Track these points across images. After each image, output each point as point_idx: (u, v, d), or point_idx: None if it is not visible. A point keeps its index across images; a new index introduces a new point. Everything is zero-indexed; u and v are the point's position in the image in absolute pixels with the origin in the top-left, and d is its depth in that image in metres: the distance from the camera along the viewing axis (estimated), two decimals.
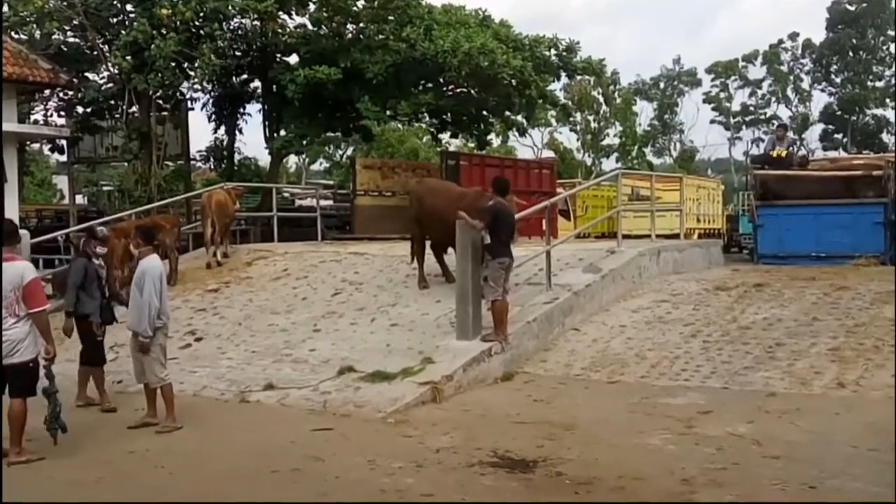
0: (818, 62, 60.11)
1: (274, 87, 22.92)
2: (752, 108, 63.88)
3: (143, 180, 21.04)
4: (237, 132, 25.59)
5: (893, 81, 55.69)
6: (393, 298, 12.83)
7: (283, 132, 23.46)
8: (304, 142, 23.49)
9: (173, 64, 20.04)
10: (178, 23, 19.98)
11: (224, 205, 16.54)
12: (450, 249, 12.33)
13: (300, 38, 22.44)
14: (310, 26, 22.86)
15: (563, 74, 25.51)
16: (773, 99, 63.40)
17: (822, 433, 7.54)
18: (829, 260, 15.59)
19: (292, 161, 47.65)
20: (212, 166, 27.05)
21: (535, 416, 8.44)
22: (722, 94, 64.35)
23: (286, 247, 17.50)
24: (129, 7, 21.78)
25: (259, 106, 24.89)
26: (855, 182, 16.64)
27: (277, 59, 23.23)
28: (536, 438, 7.53)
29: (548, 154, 51.51)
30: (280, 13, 22.21)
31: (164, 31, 19.90)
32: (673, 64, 65.30)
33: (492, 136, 30.37)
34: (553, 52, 23.59)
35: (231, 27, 22.58)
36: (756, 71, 63.17)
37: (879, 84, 57.60)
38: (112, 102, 21.81)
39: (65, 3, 20.89)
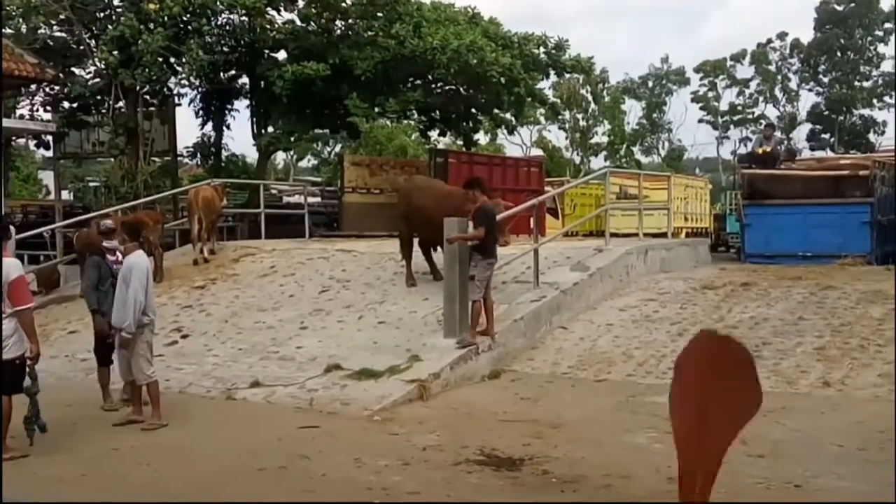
0: (806, 62, 60.32)
1: (262, 83, 22.89)
2: (739, 108, 64.05)
3: (129, 176, 20.94)
4: (225, 128, 25.59)
5: (880, 82, 55.94)
6: (380, 296, 12.80)
7: (270, 129, 23.44)
8: (292, 138, 23.47)
9: (160, 59, 19.98)
10: (166, 18, 19.92)
11: (211, 201, 16.48)
12: (438, 247, 12.31)
13: (288, 33, 22.41)
14: (298, 22, 22.83)
15: (552, 72, 25.58)
16: (761, 98, 63.58)
17: (807, 432, 7.56)
18: (816, 259, 15.65)
19: (280, 158, 47.57)
20: (199, 162, 26.99)
21: (522, 414, 8.43)
22: (710, 94, 64.51)
23: (273, 244, 17.45)
24: (116, 1, 21.75)
25: (247, 102, 24.89)
26: (842, 182, 16.70)
27: (265, 55, 23.18)
28: (523, 437, 7.53)
29: (536, 152, 51.57)
30: (268, 9, 22.18)
31: (151, 26, 19.84)
32: (661, 63, 65.42)
33: (480, 135, 30.38)
34: (542, 50, 23.65)
35: (219, 22, 22.53)
36: (744, 70, 63.39)
37: (867, 84, 57.83)
38: (98, 97, 21.73)
39: None
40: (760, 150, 18.08)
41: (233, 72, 24.63)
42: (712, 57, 63.90)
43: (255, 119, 24.39)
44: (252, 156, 28.83)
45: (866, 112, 57.81)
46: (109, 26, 20.65)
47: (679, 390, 3.89)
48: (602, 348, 10.83)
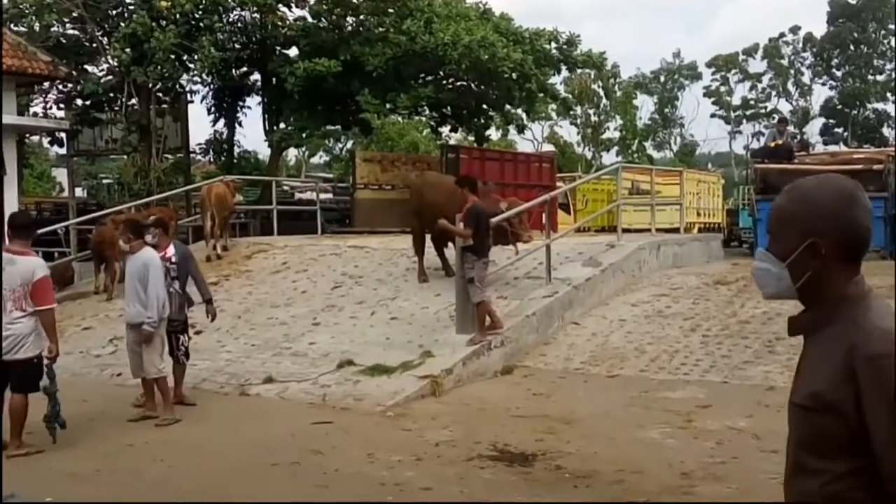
0: (819, 56, 60.05)
1: (273, 79, 22.94)
2: (752, 102, 63.83)
3: (142, 173, 21.04)
4: (237, 125, 25.68)
5: (894, 76, 55.59)
6: (393, 292, 12.82)
7: (282, 125, 23.48)
8: (304, 135, 23.54)
9: (173, 56, 20.04)
10: (178, 15, 19.98)
11: (223, 198, 16.52)
12: (450, 243, 12.31)
13: (300, 30, 22.45)
14: (309, 19, 22.87)
15: (564, 68, 25.58)
16: (774, 93, 63.39)
17: None
18: None
19: (292, 154, 47.61)
20: (211, 159, 27.11)
21: (535, 409, 8.43)
22: (722, 88, 64.30)
23: (286, 240, 17.49)
24: None
25: (259, 99, 24.99)
26: (855, 176, 16.41)
27: (277, 52, 23.25)
28: (536, 432, 7.53)
29: (548, 148, 51.48)
30: (279, 5, 22.26)
31: (163, 24, 19.89)
32: (673, 57, 65.28)
33: (491, 130, 30.37)
34: (553, 45, 23.63)
35: (230, 19, 22.61)
36: (756, 65, 63.19)
37: (880, 78, 57.54)
38: (111, 95, 21.82)
39: None
40: (773, 144, 18.00)
41: (244, 69, 24.71)
42: (724, 51, 63.74)
43: (266, 116, 24.45)
44: (264, 152, 28.97)
45: (880, 106, 57.60)
46: (122, 24, 20.71)
47: None
48: (614, 344, 10.82)
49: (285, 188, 28.82)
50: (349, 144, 44.63)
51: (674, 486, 6.14)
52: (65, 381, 9.70)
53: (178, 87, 22.10)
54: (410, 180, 16.66)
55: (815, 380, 2.01)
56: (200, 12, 20.81)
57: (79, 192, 29.54)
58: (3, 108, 17.40)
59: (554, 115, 50.36)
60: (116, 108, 22.06)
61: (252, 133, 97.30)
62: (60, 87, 22.69)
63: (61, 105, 23.72)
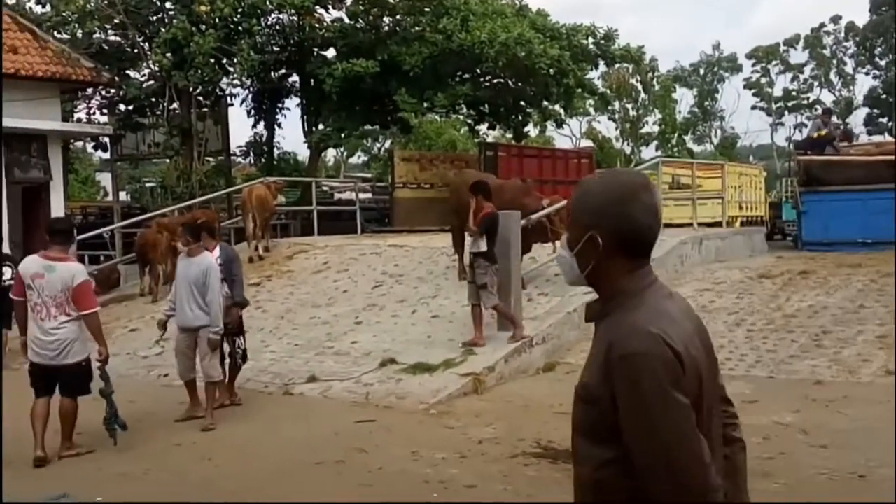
0: (862, 45, 58.95)
1: (312, 81, 23.10)
2: (794, 94, 62.84)
3: (184, 176, 21.30)
4: (276, 127, 25.88)
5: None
6: (433, 290, 12.85)
7: (321, 126, 23.62)
8: (343, 135, 23.65)
9: (212, 60, 20.25)
10: (217, 19, 20.16)
11: (264, 199, 16.65)
12: None
13: (337, 31, 22.56)
14: (346, 20, 22.97)
15: (602, 63, 25.39)
16: (816, 84, 62.34)
17: (870, 421, 7.41)
18: (876, 246, 15.30)
19: (330, 154, 47.90)
20: (252, 161, 27.35)
21: None
22: (763, 80, 63.39)
23: (326, 240, 17.60)
24: (168, 4, 22.03)
25: (297, 100, 25.13)
26: None
27: (315, 54, 23.40)
28: None
29: (586, 143, 51.19)
30: (317, 7, 22.35)
31: (202, 28, 20.10)
32: (713, 50, 64.40)
33: (529, 127, 30.27)
34: (591, 40, 23.47)
35: (269, 22, 22.79)
36: (798, 55, 62.16)
37: None
38: (153, 99, 22.10)
39: (106, 2, 21.16)
40: (816, 135, 17.77)
41: (283, 71, 24.89)
42: (765, 43, 62.84)
43: (305, 117, 24.62)
44: (303, 153, 29.15)
45: None
46: (162, 29, 20.96)
47: None
48: None
49: (325, 188, 29.00)
50: (387, 144, 44.76)
51: None
52: (121, 385, 9.87)
53: (218, 90, 22.33)
54: (449, 179, 16.69)
55: (589, 372, 2.10)
56: (239, 16, 20.99)
57: (122, 195, 30.01)
58: (48, 115, 17.77)
59: (592, 110, 50.08)
60: (158, 113, 22.35)
61: (291, 134, 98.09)
62: (103, 92, 23.03)
63: (105, 110, 24.12)
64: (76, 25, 21.39)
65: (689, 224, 16.14)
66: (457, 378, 9.17)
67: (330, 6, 22.89)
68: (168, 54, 19.99)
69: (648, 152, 55.48)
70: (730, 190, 20.94)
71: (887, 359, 9.29)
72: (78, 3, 20.61)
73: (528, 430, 7.54)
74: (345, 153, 50.80)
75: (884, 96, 56.72)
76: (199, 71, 19.87)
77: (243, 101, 24.94)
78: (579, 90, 25.00)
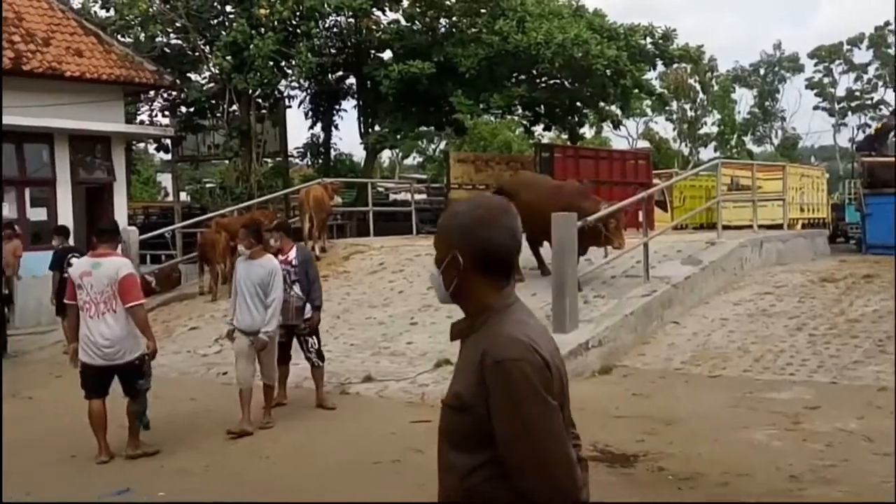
0: None
1: (368, 83, 23.25)
2: (857, 94, 61.51)
3: (243, 177, 21.60)
4: (333, 128, 26.09)
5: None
6: None
7: (377, 127, 23.75)
8: (398, 136, 23.73)
9: (271, 63, 20.49)
10: (276, 22, 20.40)
11: (321, 200, 16.80)
12: (545, 242, 12.25)
13: (394, 33, 22.68)
14: (403, 22, 23.07)
15: (660, 63, 25.12)
16: (881, 83, 60.90)
17: None
18: None
19: (385, 156, 48.20)
20: (309, 162, 27.61)
21: (635, 410, 8.33)
22: (826, 80, 62.17)
23: (382, 241, 17.69)
24: (228, 8, 22.35)
25: (354, 102, 25.30)
26: None
27: (372, 56, 23.55)
28: (636, 433, 7.44)
29: (643, 144, 50.71)
30: (374, 10, 22.48)
31: (262, 31, 20.36)
32: (773, 49, 63.50)
33: (585, 128, 30.08)
34: (649, 40, 23.24)
35: (326, 25, 23.00)
36: (862, 55, 60.84)
37: None
38: (213, 102, 22.42)
39: (168, 7, 21.56)
40: (874, 130, 17.43)
41: (340, 73, 25.10)
42: (827, 42, 61.59)
43: (362, 118, 24.79)
44: (359, 154, 29.35)
45: None
46: (223, 33, 21.27)
47: None
48: (716, 343, 10.59)
49: (380, 189, 29.14)
50: (441, 145, 44.85)
51: (782, 490, 5.98)
52: (173, 380, 10.09)
53: (276, 92, 22.57)
54: (505, 180, 16.64)
55: (459, 382, 2.20)
56: (297, 19, 21.22)
57: (183, 196, 30.48)
58: (112, 118, 18.17)
59: (649, 111, 49.59)
60: (218, 115, 22.68)
61: (348, 136, 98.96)
62: (165, 95, 23.45)
63: (166, 112, 24.54)
64: (139, 29, 21.80)
65: (748, 226, 15.90)
66: None
67: (387, 8, 23.02)
68: (228, 57, 20.28)
69: (706, 153, 54.83)
70: (791, 192, 20.57)
71: None
72: (141, 8, 21.02)
73: (583, 433, 7.32)
74: (400, 154, 51.04)
75: None
76: (259, 73, 20.13)
77: (301, 102, 25.22)
78: (636, 91, 24.76)
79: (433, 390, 9.15)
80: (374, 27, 23.23)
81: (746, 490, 6.00)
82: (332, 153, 26.77)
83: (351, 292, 14.04)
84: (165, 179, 41.38)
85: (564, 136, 28.65)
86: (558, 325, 10.30)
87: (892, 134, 17.18)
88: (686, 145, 55.90)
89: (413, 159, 56.04)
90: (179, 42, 22.94)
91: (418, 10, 22.35)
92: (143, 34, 21.78)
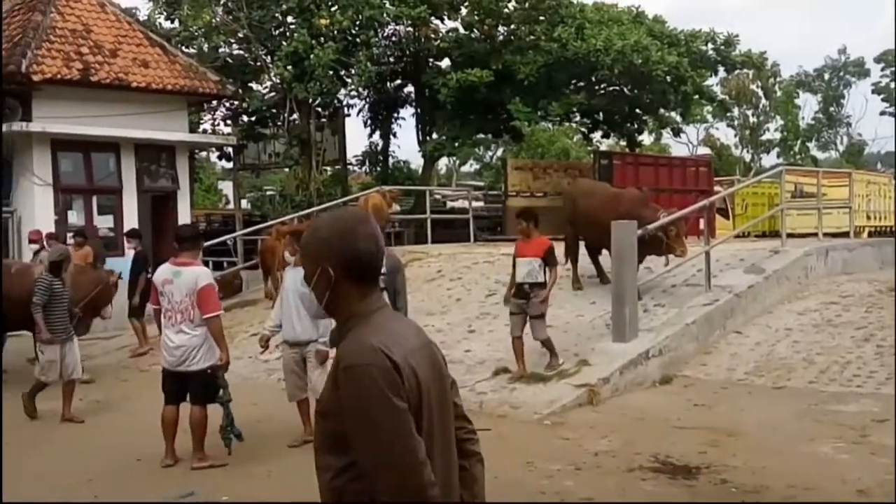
0: None
1: (427, 91, 23.38)
2: None
3: (303, 185, 21.86)
4: (391, 136, 26.28)
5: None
6: None
7: (435, 135, 23.86)
8: (456, 144, 23.82)
9: (331, 72, 20.72)
10: (336, 32, 20.65)
11: (380, 207, 16.80)
12: (604, 250, 12.17)
13: (452, 42, 22.78)
14: (461, 30, 23.17)
15: (721, 69, 24.82)
16: None
17: None
18: None
19: (442, 163, 48.35)
20: (367, 170, 27.86)
21: (697, 421, 8.21)
22: (892, 85, 60.58)
23: (440, 248, 17.70)
24: (289, 19, 22.66)
25: (412, 110, 25.48)
26: None
27: (430, 64, 23.69)
28: (699, 444, 7.33)
29: (703, 151, 50.01)
30: (432, 18, 22.60)
31: (322, 41, 20.61)
32: (838, 54, 61.89)
33: (644, 135, 29.83)
34: (710, 46, 23.00)
35: (385, 34, 23.20)
36: None
37: None
38: (274, 111, 22.75)
39: (231, 18, 21.95)
40: None
41: (399, 81, 25.29)
42: (893, 46, 60.03)
43: (420, 126, 24.93)
44: (417, 162, 29.48)
45: None
46: (284, 43, 21.57)
47: None
48: (780, 354, 10.39)
49: (437, 197, 29.21)
50: (499, 152, 44.81)
51: None
52: (235, 385, 10.11)
53: (336, 101, 22.83)
54: (563, 188, 16.59)
55: (326, 388, 2.29)
56: (357, 28, 21.44)
57: (244, 203, 30.98)
58: (176, 127, 18.53)
59: (710, 117, 48.84)
60: (279, 124, 22.99)
61: (406, 143, 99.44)
62: (227, 104, 23.82)
63: (228, 121, 24.96)
64: (203, 40, 22.24)
65: (813, 234, 15.57)
66: (571, 389, 9.10)
67: (445, 17, 23.14)
68: (289, 67, 20.55)
69: (769, 160, 53.88)
70: (857, 199, 20.12)
71: None
72: (205, 19, 21.44)
73: (644, 443, 7.40)
74: (457, 162, 51.15)
75: None
76: (319, 83, 20.36)
77: (360, 111, 25.47)
78: (697, 97, 24.50)
79: (491, 399, 9.15)
80: (432, 36, 23.36)
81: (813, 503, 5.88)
82: (391, 161, 26.97)
83: (409, 299, 14.05)
84: (227, 187, 42.04)
85: (623, 144, 28.45)
86: (618, 334, 10.23)
87: None
88: (748, 152, 55.02)
89: (470, 166, 56.13)
90: (241, 52, 23.34)
91: (476, 18, 22.41)
92: (206, 45, 22.20)
